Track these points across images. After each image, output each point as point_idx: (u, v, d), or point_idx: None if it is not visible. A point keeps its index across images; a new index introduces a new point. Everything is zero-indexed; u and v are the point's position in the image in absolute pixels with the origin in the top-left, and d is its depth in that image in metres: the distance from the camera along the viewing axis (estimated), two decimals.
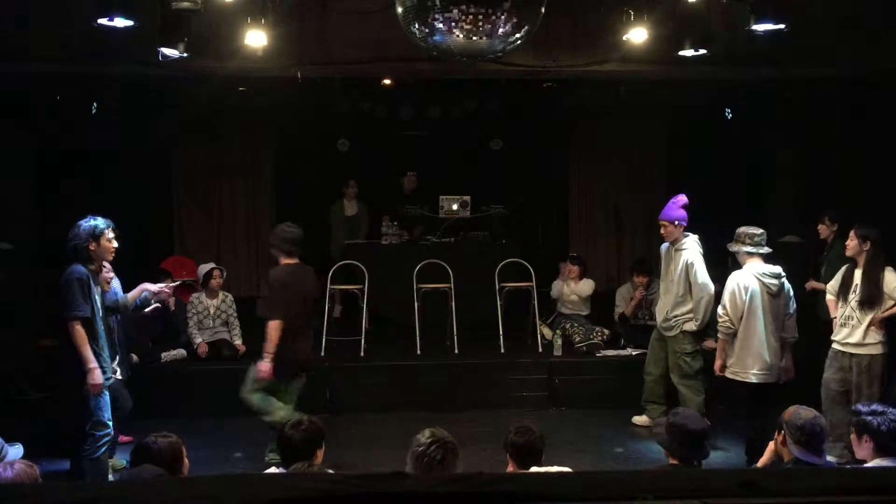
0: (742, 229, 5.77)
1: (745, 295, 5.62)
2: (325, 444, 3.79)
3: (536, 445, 3.72)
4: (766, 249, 5.73)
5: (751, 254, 5.69)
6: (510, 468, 3.76)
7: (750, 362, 5.69)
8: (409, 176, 9.89)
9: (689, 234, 6.60)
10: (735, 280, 5.68)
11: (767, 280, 5.63)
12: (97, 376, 4.97)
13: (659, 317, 6.77)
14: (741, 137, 9.38)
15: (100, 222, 5.13)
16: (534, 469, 3.62)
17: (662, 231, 6.62)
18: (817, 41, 7.18)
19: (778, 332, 5.73)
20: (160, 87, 8.30)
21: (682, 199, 6.62)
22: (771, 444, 3.85)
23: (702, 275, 6.42)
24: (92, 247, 5.07)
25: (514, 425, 3.83)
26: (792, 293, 5.83)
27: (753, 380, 5.70)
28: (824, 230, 7.26)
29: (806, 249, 8.36)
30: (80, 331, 4.95)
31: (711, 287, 6.42)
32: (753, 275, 5.63)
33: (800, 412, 3.68)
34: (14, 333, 7.33)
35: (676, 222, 6.53)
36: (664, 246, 6.75)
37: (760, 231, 5.74)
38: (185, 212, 10.73)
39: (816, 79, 7.74)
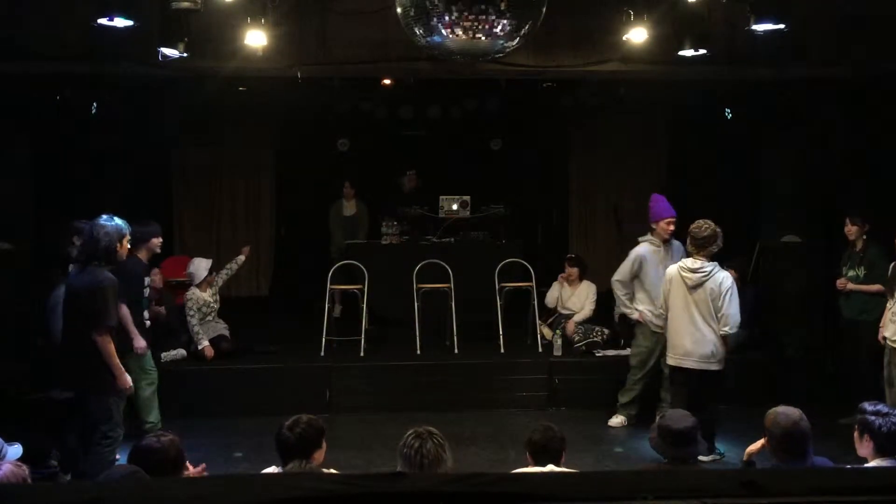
0: (693, 228, 6.00)
1: (668, 285, 6.11)
2: (325, 444, 3.77)
3: (554, 445, 3.79)
4: (710, 250, 5.93)
5: (689, 253, 6.07)
6: (528, 465, 3.82)
7: (669, 346, 6.14)
8: (410, 175, 9.88)
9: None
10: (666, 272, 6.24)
11: (684, 273, 6.00)
12: (128, 379, 5.08)
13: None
14: (741, 137, 9.38)
15: (121, 223, 5.09)
16: (550, 468, 3.65)
17: (672, 228, 6.74)
18: (817, 41, 7.18)
19: (704, 323, 5.92)
20: (160, 87, 8.30)
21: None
22: (760, 444, 3.88)
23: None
24: (118, 248, 5.05)
25: (538, 423, 4.00)
26: (728, 291, 5.90)
27: (670, 362, 6.14)
28: (855, 231, 6.86)
29: (807, 249, 8.36)
30: (110, 339, 4.96)
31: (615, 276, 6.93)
32: (677, 267, 6.09)
33: (778, 420, 3.62)
34: (14, 333, 7.33)
35: None
36: (661, 244, 6.85)
37: (705, 235, 5.91)
38: (185, 212, 10.73)
39: (816, 79, 7.74)
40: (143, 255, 6.32)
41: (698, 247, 5.94)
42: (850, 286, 6.82)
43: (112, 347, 4.96)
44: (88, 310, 4.93)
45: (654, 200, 6.86)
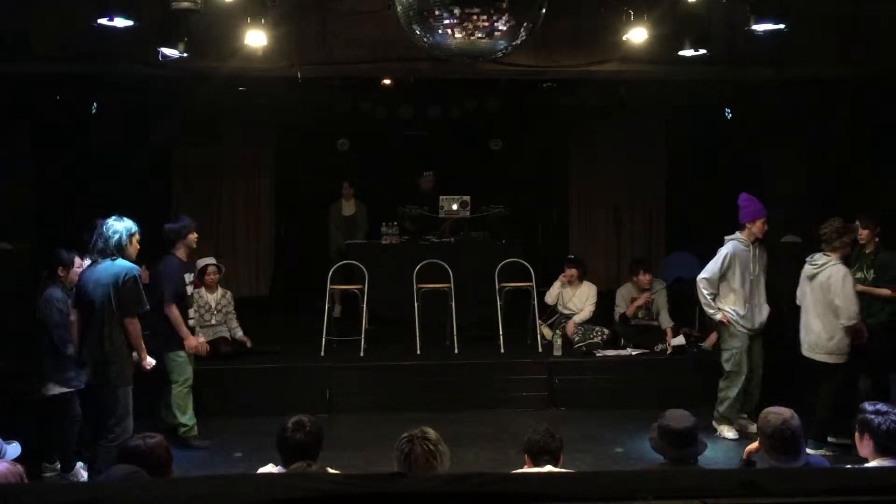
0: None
1: (801, 278, 6.39)
2: (324, 445, 3.79)
3: (550, 445, 3.81)
4: (835, 245, 6.13)
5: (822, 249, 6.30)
6: (526, 465, 3.84)
7: (800, 337, 6.35)
8: (426, 176, 9.89)
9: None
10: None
11: (807, 266, 6.33)
12: (150, 359, 5.41)
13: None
14: (741, 137, 9.38)
15: (131, 223, 5.32)
16: (549, 468, 3.66)
17: (766, 227, 6.64)
18: (817, 41, 7.17)
19: (815, 314, 6.18)
20: (160, 87, 8.30)
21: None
22: (757, 443, 3.90)
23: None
24: (129, 244, 5.28)
25: (535, 424, 4.03)
26: (837, 283, 6.03)
27: (804, 354, 6.31)
28: (866, 234, 6.66)
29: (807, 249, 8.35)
30: (138, 322, 5.24)
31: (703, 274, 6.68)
32: (806, 260, 6.38)
33: (769, 419, 3.67)
34: (14, 334, 7.33)
35: None
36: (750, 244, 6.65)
37: (825, 231, 6.17)
38: (185, 212, 10.72)
39: (816, 79, 7.74)
40: (181, 252, 6.45)
41: (824, 243, 6.19)
42: (858, 287, 6.70)
43: (139, 329, 5.23)
44: (115, 297, 5.14)
45: (747, 200, 6.62)
